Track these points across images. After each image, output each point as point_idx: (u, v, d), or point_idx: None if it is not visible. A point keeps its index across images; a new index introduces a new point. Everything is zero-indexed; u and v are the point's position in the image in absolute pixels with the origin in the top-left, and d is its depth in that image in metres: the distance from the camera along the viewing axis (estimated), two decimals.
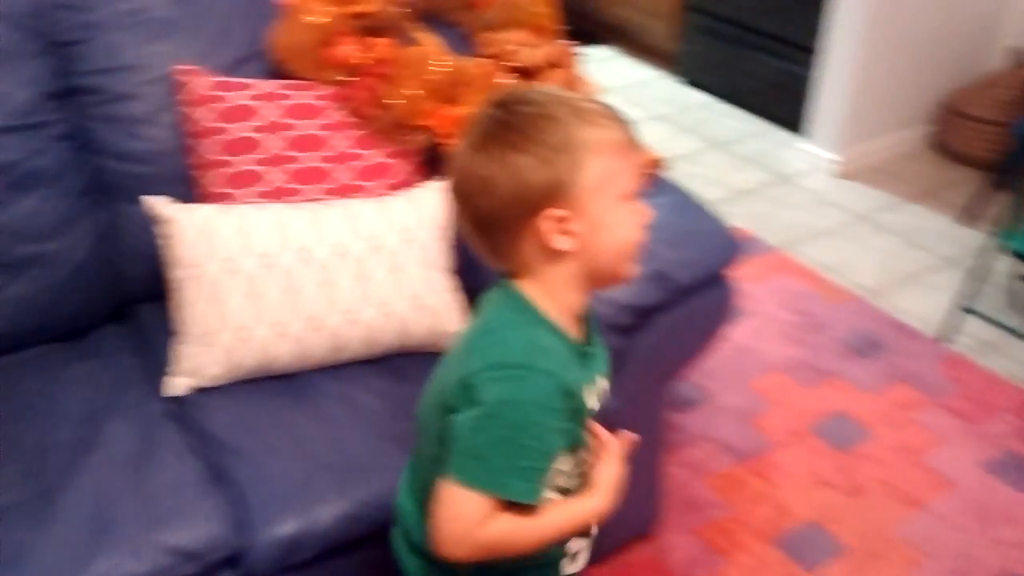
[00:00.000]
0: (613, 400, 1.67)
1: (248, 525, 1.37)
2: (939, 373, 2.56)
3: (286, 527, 1.37)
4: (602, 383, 1.16)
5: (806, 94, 3.60)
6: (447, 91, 1.70)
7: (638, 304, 1.64)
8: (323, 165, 1.70)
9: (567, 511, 1.09)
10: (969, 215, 3.25)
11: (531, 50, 1.77)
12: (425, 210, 1.66)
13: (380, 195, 1.70)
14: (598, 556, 1.92)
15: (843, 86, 3.41)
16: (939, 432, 2.36)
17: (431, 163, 1.81)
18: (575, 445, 1.09)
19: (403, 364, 1.65)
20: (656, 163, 1.86)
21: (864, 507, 2.15)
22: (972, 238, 3.13)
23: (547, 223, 0.99)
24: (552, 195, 0.98)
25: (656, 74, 4.44)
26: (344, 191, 1.70)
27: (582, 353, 1.08)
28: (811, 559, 2.01)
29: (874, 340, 2.68)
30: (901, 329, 2.73)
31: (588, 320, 1.13)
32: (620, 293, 1.64)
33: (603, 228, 1.01)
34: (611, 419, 1.67)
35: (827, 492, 2.18)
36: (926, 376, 2.55)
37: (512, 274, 1.06)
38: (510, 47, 1.77)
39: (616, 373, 1.69)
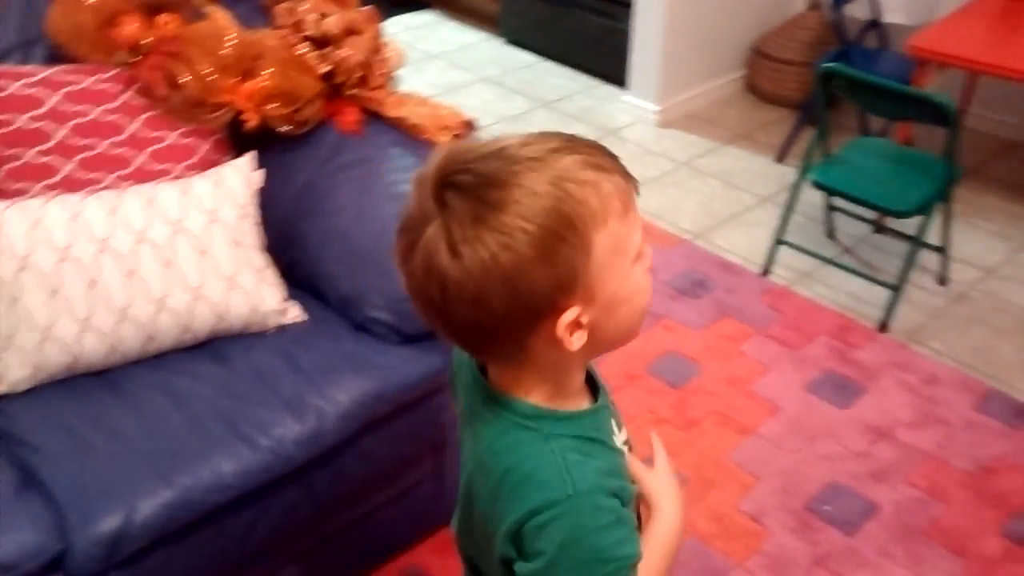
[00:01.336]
0: (447, 360, 1.70)
1: (66, 528, 1.32)
2: (762, 305, 2.70)
3: (107, 524, 1.33)
4: (615, 426, 0.99)
5: (627, 49, 3.70)
6: (243, 65, 1.66)
7: None
8: (118, 151, 1.64)
9: (656, 550, 0.94)
10: (782, 153, 3.43)
11: (328, 18, 1.75)
12: (230, 189, 1.63)
13: (181, 177, 1.65)
14: (451, 518, 1.97)
15: (655, 38, 3.51)
16: (764, 360, 2.50)
17: (235, 139, 1.77)
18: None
19: (223, 347, 1.63)
20: (467, 124, 1.87)
21: (699, 438, 2.26)
22: (786, 175, 3.30)
23: (561, 328, 0.82)
24: (560, 293, 0.80)
25: (480, 36, 4.46)
26: (143, 176, 1.65)
27: (599, 410, 0.94)
28: None
29: (700, 280, 2.80)
30: (725, 267, 2.86)
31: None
32: None
33: (618, 305, 0.85)
34: (446, 379, 1.71)
35: (664, 428, 2.28)
36: (749, 309, 2.69)
37: (503, 371, 0.90)
38: (306, 16, 1.74)
39: (436, 345, 1.72)
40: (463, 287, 0.79)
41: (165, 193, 1.58)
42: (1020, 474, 2.15)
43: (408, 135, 1.79)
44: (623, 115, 3.73)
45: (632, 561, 0.88)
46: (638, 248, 0.85)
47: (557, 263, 0.78)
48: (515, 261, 0.77)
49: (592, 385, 0.97)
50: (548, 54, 4.21)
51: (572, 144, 0.82)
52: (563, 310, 0.81)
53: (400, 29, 4.50)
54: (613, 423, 0.97)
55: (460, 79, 4.03)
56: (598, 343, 0.86)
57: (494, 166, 0.79)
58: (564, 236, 0.78)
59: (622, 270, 0.83)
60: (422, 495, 1.87)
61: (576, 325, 0.82)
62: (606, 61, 3.91)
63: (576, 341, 0.83)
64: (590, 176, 0.80)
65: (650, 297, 0.89)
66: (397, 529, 1.88)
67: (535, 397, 0.89)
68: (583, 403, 0.93)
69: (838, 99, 2.93)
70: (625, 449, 0.98)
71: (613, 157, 0.84)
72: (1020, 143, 3.50)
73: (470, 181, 0.79)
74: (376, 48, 1.82)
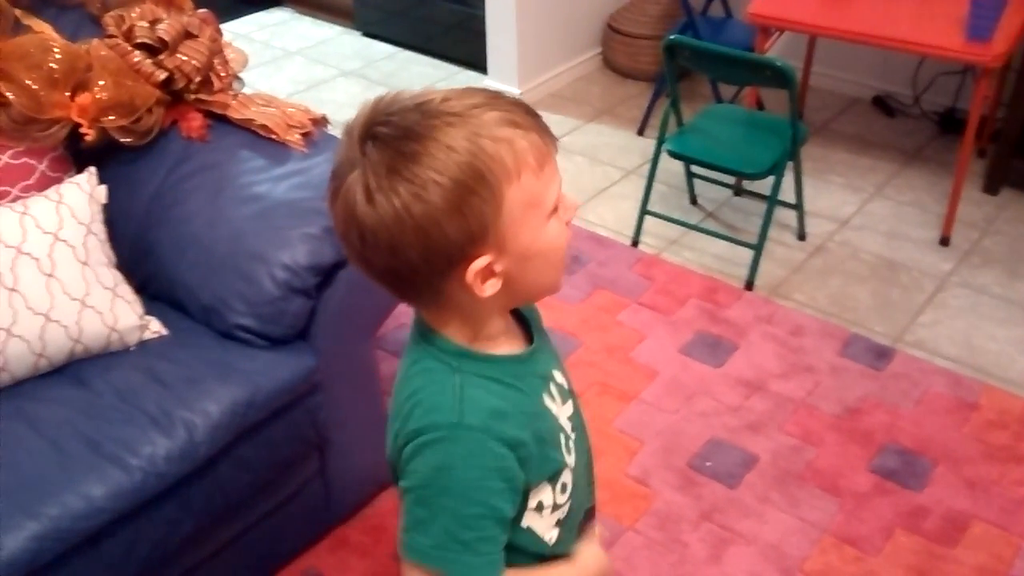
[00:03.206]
0: (321, 360, 1.70)
1: None
2: (633, 274, 2.77)
3: None
4: (559, 377, 1.03)
5: (484, 34, 3.71)
6: (73, 78, 1.60)
7: (317, 264, 1.65)
8: None
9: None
10: (643, 126, 3.51)
11: (160, 24, 1.70)
12: (71, 207, 1.57)
13: (19, 199, 1.59)
14: (344, 513, 1.96)
15: (509, 22, 3.54)
16: (640, 328, 2.57)
17: (77, 155, 1.71)
18: (555, 473, 0.97)
19: (82, 369, 1.58)
20: (317, 121, 1.86)
21: (584, 410, 2.28)
22: (648, 147, 3.37)
23: (471, 275, 0.85)
24: (471, 243, 0.83)
25: (337, 30, 4.41)
26: None
27: (526, 359, 0.96)
28: None
29: (574, 255, 2.85)
30: (596, 241, 2.92)
31: (525, 316, 1.01)
32: (297, 255, 1.64)
33: (532, 257, 0.87)
34: (322, 377, 1.70)
35: None
36: (622, 279, 2.75)
37: (426, 311, 0.93)
38: (137, 23, 1.69)
39: (318, 334, 1.72)
40: (378, 234, 0.82)
41: (1, 217, 1.52)
42: (884, 412, 2.27)
43: (257, 136, 1.76)
44: None
45: (500, 516, 0.90)
46: (554, 202, 0.88)
47: (467, 215, 0.81)
48: (427, 211, 0.80)
49: (530, 337, 1.00)
50: (407, 44, 4.19)
51: (492, 101, 0.85)
52: (474, 258, 0.84)
53: (255, 28, 4.41)
54: (552, 388, 1.00)
55: (322, 75, 3.98)
56: (516, 292, 0.89)
57: (413, 119, 0.82)
58: (475, 189, 0.81)
59: (535, 224, 0.86)
60: (310, 496, 1.85)
61: (489, 273, 0.85)
62: (465, 47, 3.92)
63: (488, 288, 0.86)
64: (506, 133, 0.83)
65: (565, 252, 0.91)
66: (289, 533, 1.86)
67: (456, 335, 0.92)
68: (510, 350, 0.96)
69: (691, 69, 3.02)
70: (568, 425, 1.00)
71: (533, 115, 0.87)
72: (861, 99, 3.68)
73: (389, 133, 0.82)
74: (216, 50, 1.78)
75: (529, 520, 0.96)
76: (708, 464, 2.15)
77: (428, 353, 0.92)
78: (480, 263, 0.84)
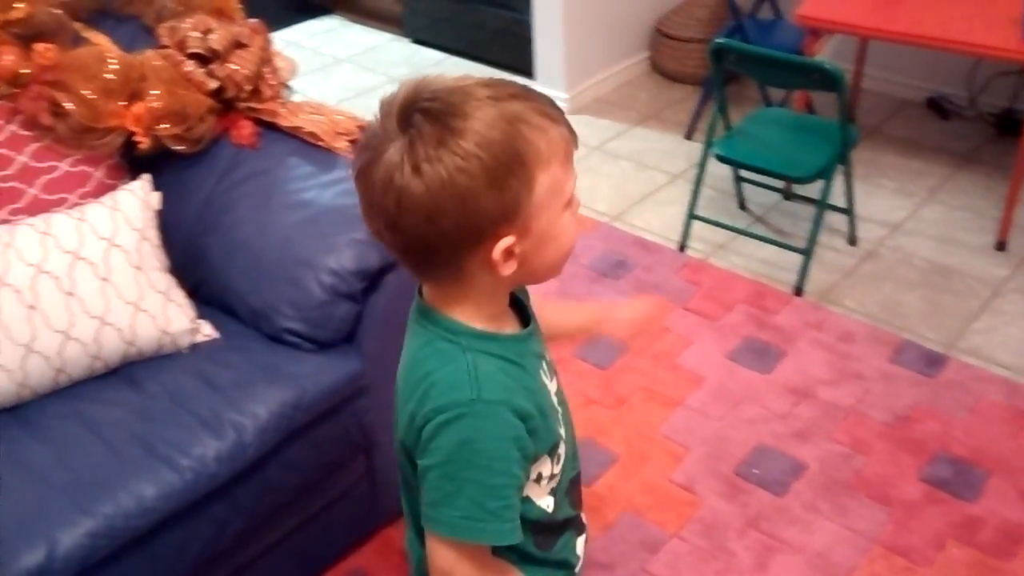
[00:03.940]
0: (367, 363, 1.72)
1: None
2: (680, 279, 2.76)
3: (28, 560, 1.32)
4: (547, 355, 1.08)
5: (531, 39, 3.73)
6: (129, 87, 1.65)
7: (363, 268, 1.67)
8: (8, 185, 1.62)
9: None
10: (690, 130, 3.49)
11: (212, 34, 1.74)
12: (126, 213, 1.61)
13: (77, 205, 1.64)
14: (390, 515, 1.98)
15: (556, 27, 3.55)
16: (686, 333, 2.55)
17: (131, 162, 1.76)
18: (554, 445, 1.02)
19: (136, 371, 1.62)
20: (364, 129, 1.88)
21: (629, 416, 2.30)
22: (695, 151, 3.35)
23: (497, 252, 0.90)
24: (502, 220, 0.88)
25: (386, 37, 4.46)
26: (38, 208, 1.63)
27: (525, 337, 1.02)
28: (587, 473, 2.10)
29: (620, 260, 2.84)
30: (642, 246, 2.91)
31: (519, 297, 1.06)
32: (344, 261, 1.67)
33: (547, 241, 0.93)
34: (368, 380, 1.73)
35: (595, 409, 2.32)
36: (669, 284, 2.74)
37: (436, 290, 0.98)
38: (190, 34, 1.73)
39: (364, 338, 1.74)
40: (419, 202, 0.86)
41: (59, 223, 1.56)
42: (935, 420, 2.23)
43: (305, 143, 1.79)
44: None
45: (519, 484, 0.96)
46: (570, 195, 0.94)
47: (504, 192, 0.87)
48: (469, 184, 0.86)
49: (523, 318, 1.06)
50: (455, 50, 4.22)
51: (527, 92, 0.91)
52: (501, 237, 0.89)
53: (305, 36, 4.47)
54: (544, 365, 1.05)
55: (371, 82, 4.02)
56: (525, 274, 0.95)
57: (457, 98, 0.87)
58: (513, 169, 0.87)
59: (555, 211, 0.92)
60: (357, 498, 1.87)
61: (509, 253, 0.91)
62: (512, 53, 3.94)
63: (507, 268, 0.91)
64: (541, 122, 0.89)
65: (574, 242, 0.98)
66: (336, 534, 1.89)
67: (462, 315, 0.97)
68: (509, 329, 1.02)
69: (739, 73, 3.00)
70: (555, 400, 1.05)
71: (561, 111, 0.93)
72: (913, 101, 3.62)
73: (437, 107, 0.86)
74: (266, 59, 1.82)
75: (528, 490, 1.01)
76: (755, 471, 2.13)
77: (436, 334, 0.96)
78: (506, 242, 0.89)
